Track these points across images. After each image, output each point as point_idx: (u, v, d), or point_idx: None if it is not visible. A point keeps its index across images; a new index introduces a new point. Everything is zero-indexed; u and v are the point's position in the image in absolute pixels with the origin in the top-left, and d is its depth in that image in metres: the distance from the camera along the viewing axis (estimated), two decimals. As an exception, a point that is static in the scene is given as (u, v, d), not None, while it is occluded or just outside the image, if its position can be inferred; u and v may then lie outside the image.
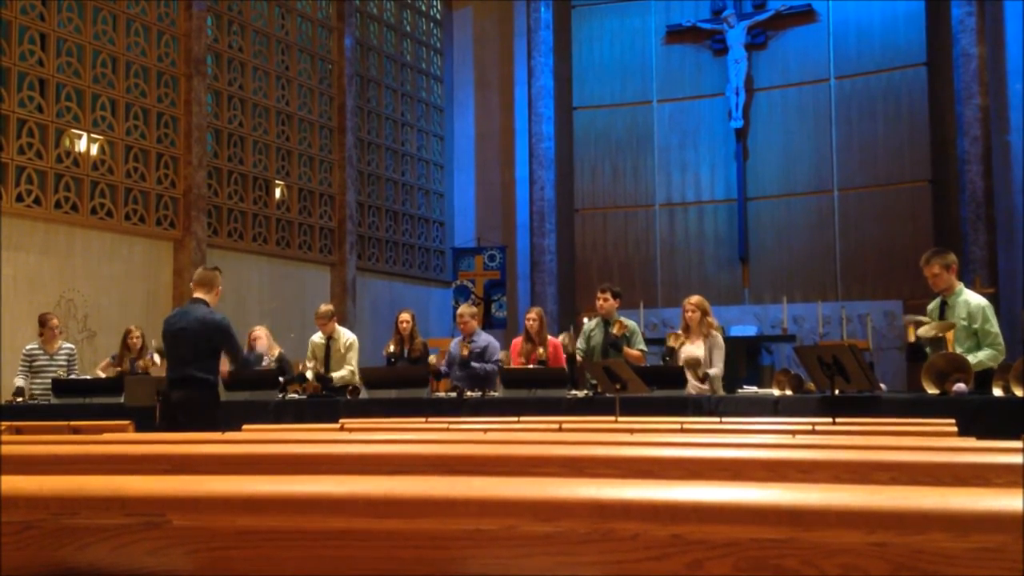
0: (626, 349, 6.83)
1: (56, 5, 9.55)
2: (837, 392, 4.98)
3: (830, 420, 3.65)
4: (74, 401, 6.84)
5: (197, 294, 5.58)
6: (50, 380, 7.42)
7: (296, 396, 7.13)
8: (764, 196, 14.11)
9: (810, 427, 3.29)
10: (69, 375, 7.66)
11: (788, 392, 5.95)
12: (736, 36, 14.06)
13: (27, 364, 7.68)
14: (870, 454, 1.96)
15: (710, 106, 14.43)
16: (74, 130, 9.70)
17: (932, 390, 5.28)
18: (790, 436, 2.90)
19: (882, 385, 6.06)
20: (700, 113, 14.54)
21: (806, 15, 13.98)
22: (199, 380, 5.35)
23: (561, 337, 7.30)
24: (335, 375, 7.59)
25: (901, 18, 13.35)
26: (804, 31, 14.02)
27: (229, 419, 5.77)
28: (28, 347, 7.74)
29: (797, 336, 12.26)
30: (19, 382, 7.54)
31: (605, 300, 7.04)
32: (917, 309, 6.20)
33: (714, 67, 14.41)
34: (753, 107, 14.14)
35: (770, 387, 6.45)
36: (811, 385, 5.91)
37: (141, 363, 7.65)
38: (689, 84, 14.60)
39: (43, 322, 7.78)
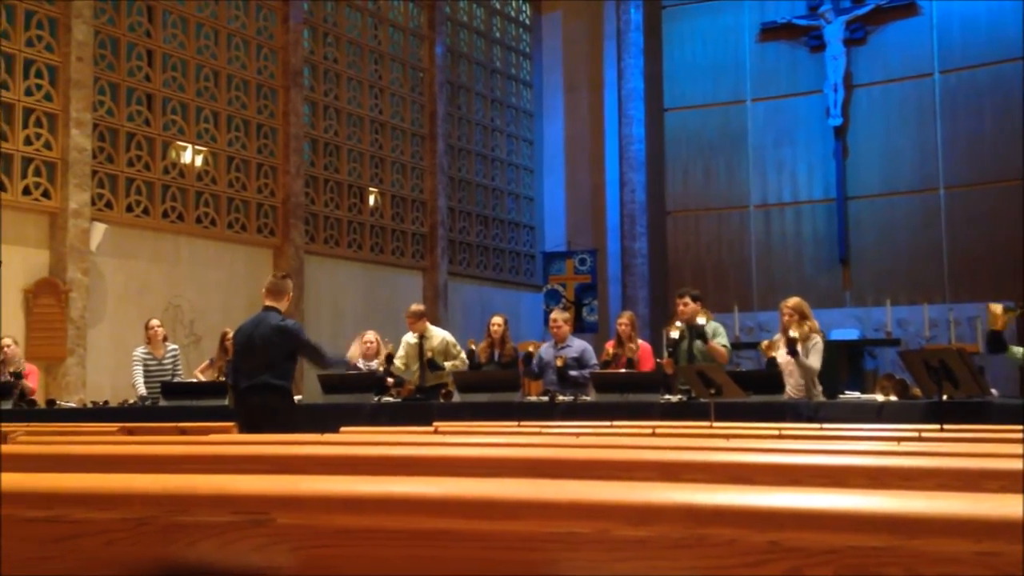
0: (710, 343, 6.66)
1: (161, 22, 9.98)
2: (945, 398, 4.80)
3: (937, 427, 3.52)
4: (181, 403, 7.10)
5: (267, 302, 5.62)
6: (159, 383, 7.70)
7: (391, 399, 7.25)
8: (865, 195, 13.69)
9: (916, 434, 3.17)
10: (174, 376, 7.94)
11: (893, 397, 5.76)
12: (834, 32, 13.69)
13: (139, 367, 7.96)
14: (979, 462, 1.88)
15: (807, 104, 14.09)
16: (179, 142, 10.11)
17: (1047, 396, 5.03)
18: (895, 443, 2.80)
19: (993, 391, 5.80)
20: (796, 111, 14.21)
21: (907, 8, 13.51)
22: (275, 386, 5.43)
23: (666, 359, 7.04)
24: (447, 364, 7.61)
25: (1008, 9, 12.76)
26: (906, 24, 13.55)
27: (306, 422, 5.88)
28: (138, 350, 8.05)
29: (902, 340, 11.84)
30: (142, 389, 7.79)
31: (685, 305, 6.89)
32: (1030, 311, 5.93)
33: (811, 64, 14.06)
34: (853, 104, 13.74)
35: (873, 392, 6.25)
36: (917, 391, 5.70)
37: None
38: (785, 82, 14.28)
39: (147, 327, 8.10)
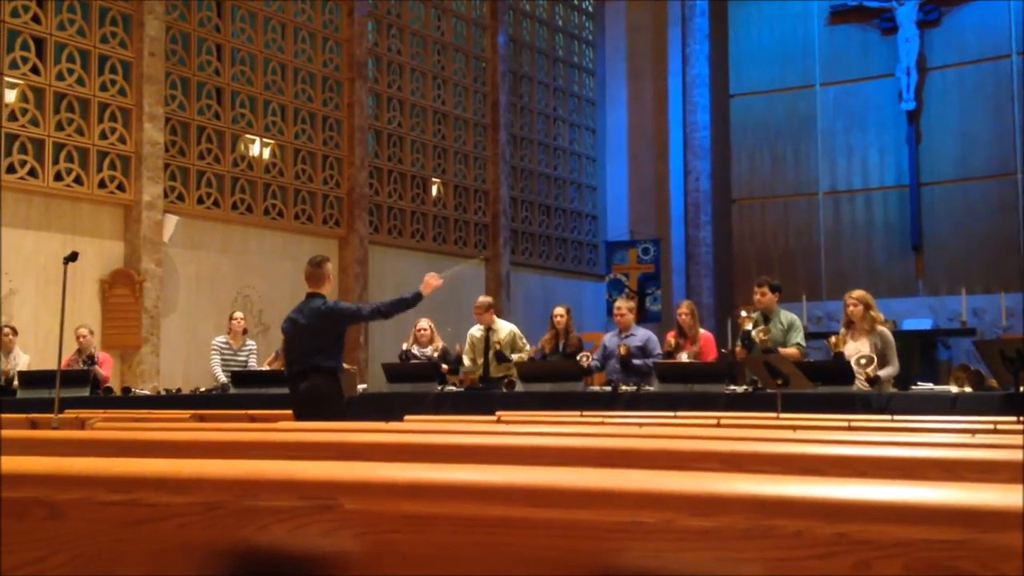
0: (780, 350, 6.46)
1: (230, 17, 10.17)
2: (1022, 389, 4.65)
3: (1014, 419, 3.41)
4: (251, 391, 7.25)
5: (310, 289, 5.71)
6: (231, 372, 7.88)
7: (454, 388, 7.30)
8: (939, 181, 13.32)
9: (991, 426, 3.08)
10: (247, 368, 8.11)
11: (967, 389, 5.59)
12: (906, 13, 13.32)
13: (217, 355, 8.14)
14: (1059, 456, 1.81)
15: (878, 88, 13.74)
16: (248, 135, 10.30)
17: None
18: (969, 435, 2.73)
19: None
20: (867, 95, 13.87)
21: (984, -13, 13.08)
22: (322, 367, 5.47)
23: (739, 347, 6.87)
24: (514, 356, 7.58)
25: (1094, -16, 12.27)
26: (982, 6, 13.11)
27: (370, 411, 5.91)
28: (217, 340, 8.24)
29: (977, 330, 11.50)
30: (222, 377, 7.96)
31: (763, 295, 6.75)
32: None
33: (882, 47, 13.71)
34: (926, 87, 13.36)
35: (947, 384, 6.08)
36: (993, 382, 5.53)
37: None
38: (855, 66, 13.95)
39: (230, 317, 8.32)
